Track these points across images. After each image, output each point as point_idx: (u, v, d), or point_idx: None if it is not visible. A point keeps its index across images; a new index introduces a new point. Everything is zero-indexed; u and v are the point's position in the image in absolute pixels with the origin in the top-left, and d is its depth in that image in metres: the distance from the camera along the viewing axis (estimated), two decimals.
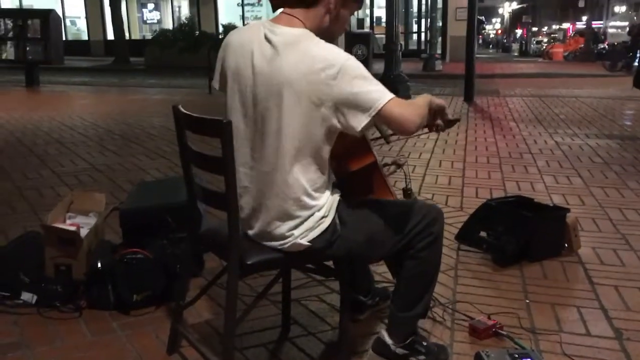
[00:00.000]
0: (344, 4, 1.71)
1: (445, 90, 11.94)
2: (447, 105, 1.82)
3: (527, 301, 2.52)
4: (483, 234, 3.09)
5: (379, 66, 10.35)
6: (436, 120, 1.80)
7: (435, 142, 6.04)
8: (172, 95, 10.76)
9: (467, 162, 5.14)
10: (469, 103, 9.37)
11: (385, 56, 9.18)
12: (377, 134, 2.11)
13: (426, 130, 1.83)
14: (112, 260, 2.34)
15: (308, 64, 1.59)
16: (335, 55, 1.61)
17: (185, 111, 1.80)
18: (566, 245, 3.03)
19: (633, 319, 2.37)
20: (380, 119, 1.62)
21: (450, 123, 1.82)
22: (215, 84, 1.83)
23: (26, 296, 2.33)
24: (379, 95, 1.59)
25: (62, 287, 2.32)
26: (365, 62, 16.18)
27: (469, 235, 3.14)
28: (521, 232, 2.92)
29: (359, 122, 1.60)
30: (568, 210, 3.10)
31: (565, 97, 10.46)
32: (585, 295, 2.59)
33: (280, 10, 1.74)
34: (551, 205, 3.31)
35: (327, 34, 1.70)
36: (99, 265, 2.28)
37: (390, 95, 1.61)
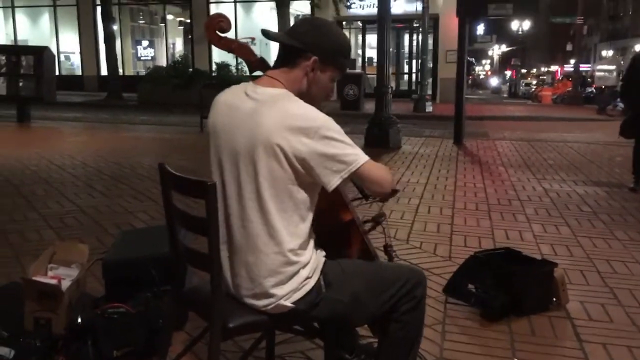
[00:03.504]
0: (323, 68, 1.74)
1: (435, 132, 12.06)
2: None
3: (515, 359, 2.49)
4: (471, 287, 3.07)
5: (370, 106, 10.49)
6: None
7: (425, 186, 6.06)
8: (163, 133, 10.77)
9: (456, 209, 5.15)
10: (458, 146, 9.45)
11: (376, 98, 9.28)
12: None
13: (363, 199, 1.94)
14: (93, 314, 2.29)
15: (285, 121, 1.62)
16: (313, 115, 1.64)
17: (170, 170, 1.79)
18: (554, 299, 3.01)
19: None
20: (357, 179, 1.70)
21: (391, 192, 1.85)
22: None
23: (3, 351, 2.26)
24: (354, 157, 1.65)
25: (40, 341, 2.26)
26: (357, 102, 16.52)
27: (457, 288, 3.11)
28: (509, 287, 2.91)
29: (330, 181, 1.64)
30: (556, 264, 3.09)
31: (553, 141, 10.58)
32: (574, 353, 2.56)
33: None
34: (539, 258, 3.30)
35: (307, 98, 1.73)
36: (79, 320, 2.24)
37: (365, 158, 1.67)
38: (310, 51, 1.71)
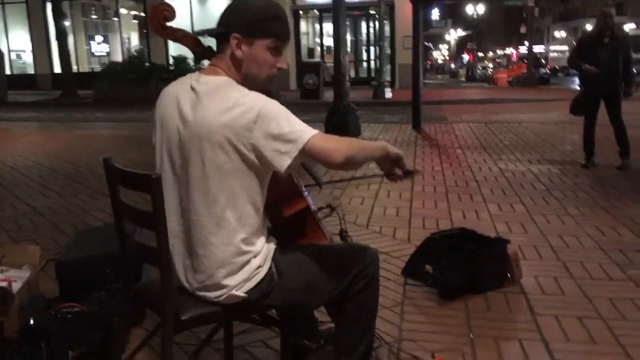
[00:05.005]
0: (249, 42, 1.70)
1: (395, 117, 12.15)
2: (405, 156, 1.80)
3: (471, 336, 2.55)
4: (428, 267, 3.13)
5: (330, 94, 10.52)
6: (394, 169, 1.81)
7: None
8: (120, 129, 10.59)
9: (414, 192, 5.21)
10: (417, 130, 9.55)
11: (333, 87, 9.29)
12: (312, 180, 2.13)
13: (385, 179, 1.85)
14: (46, 316, 2.25)
15: (228, 109, 1.61)
16: (253, 99, 1.63)
17: (116, 165, 1.77)
18: (508, 275, 3.08)
19: (573, 349, 2.42)
20: (306, 156, 1.63)
21: (408, 174, 1.82)
22: (153, 138, 1.80)
23: None
24: (300, 134, 1.61)
25: None
26: (316, 91, 16.46)
27: (415, 269, 3.16)
28: (465, 266, 2.97)
29: (282, 162, 1.61)
30: (508, 241, 3.17)
31: (509, 122, 10.78)
32: (527, 327, 2.64)
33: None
34: (493, 237, 3.37)
35: (251, 79, 1.72)
36: (32, 322, 2.19)
37: (313, 132, 1.62)
38: (229, 31, 1.69)
